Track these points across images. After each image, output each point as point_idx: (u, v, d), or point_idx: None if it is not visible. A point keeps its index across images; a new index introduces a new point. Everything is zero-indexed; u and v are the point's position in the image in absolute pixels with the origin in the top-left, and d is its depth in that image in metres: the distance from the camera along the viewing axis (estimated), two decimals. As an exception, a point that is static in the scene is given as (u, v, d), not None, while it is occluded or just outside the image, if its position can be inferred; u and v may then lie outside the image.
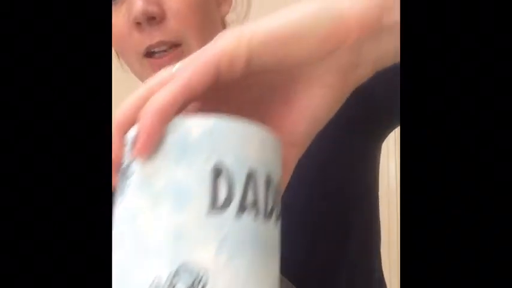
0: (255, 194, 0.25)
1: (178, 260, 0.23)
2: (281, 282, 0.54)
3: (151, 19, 0.54)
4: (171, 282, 0.23)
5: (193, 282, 0.23)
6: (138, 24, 0.54)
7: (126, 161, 0.28)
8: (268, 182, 0.25)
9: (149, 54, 0.56)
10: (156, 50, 0.55)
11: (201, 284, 0.23)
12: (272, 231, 0.26)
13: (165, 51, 0.55)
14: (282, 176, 0.28)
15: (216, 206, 0.24)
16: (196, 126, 0.25)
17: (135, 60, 0.57)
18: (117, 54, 0.68)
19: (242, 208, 0.24)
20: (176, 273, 0.23)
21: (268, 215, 0.25)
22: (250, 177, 0.24)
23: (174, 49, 0.55)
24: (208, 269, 0.23)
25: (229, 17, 0.64)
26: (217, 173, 0.24)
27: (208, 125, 0.25)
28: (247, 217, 0.24)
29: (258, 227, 0.25)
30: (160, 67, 0.55)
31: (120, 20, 0.56)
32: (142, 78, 0.59)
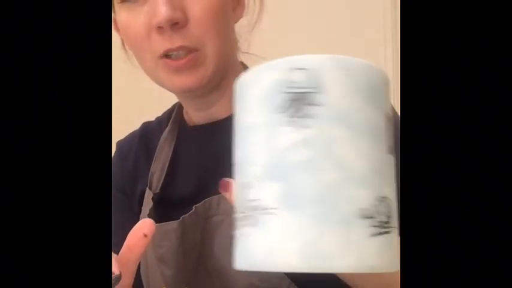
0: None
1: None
2: (283, 280, 0.54)
3: (175, 24, 0.54)
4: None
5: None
6: (160, 28, 0.54)
7: None
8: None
9: (166, 56, 0.56)
10: (174, 53, 0.56)
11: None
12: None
13: (182, 55, 0.56)
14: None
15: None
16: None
17: (150, 60, 0.57)
18: (124, 47, 0.69)
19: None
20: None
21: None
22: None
23: (190, 54, 0.56)
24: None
25: (241, 22, 0.65)
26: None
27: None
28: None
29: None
30: (175, 69, 0.56)
31: (140, 19, 0.56)
32: (155, 76, 0.60)
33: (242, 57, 0.70)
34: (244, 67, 0.68)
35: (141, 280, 0.66)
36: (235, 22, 0.64)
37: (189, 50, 0.56)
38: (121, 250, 0.41)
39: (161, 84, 0.61)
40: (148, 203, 0.66)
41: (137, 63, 0.62)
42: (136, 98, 1.34)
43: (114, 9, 0.62)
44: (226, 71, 0.62)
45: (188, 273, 0.61)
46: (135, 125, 0.77)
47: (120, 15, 0.59)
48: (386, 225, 0.29)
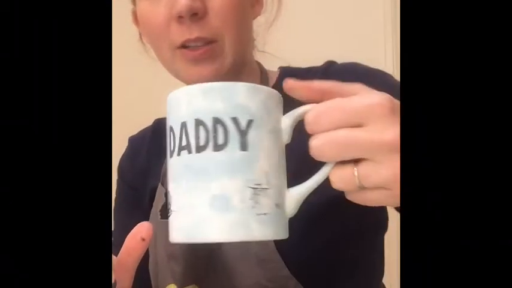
0: (187, 138, 0.35)
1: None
2: (290, 280, 0.55)
3: (194, 15, 0.55)
4: None
5: None
6: (180, 17, 0.55)
7: None
8: (197, 125, 0.35)
9: (184, 46, 0.57)
10: (192, 44, 0.56)
11: None
12: (209, 160, 0.35)
13: (200, 46, 0.57)
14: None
15: (170, 152, 0.37)
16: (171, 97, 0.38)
17: (167, 50, 0.58)
18: (141, 39, 0.69)
19: (180, 150, 0.36)
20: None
21: (199, 148, 0.35)
22: (182, 127, 0.36)
23: (207, 45, 0.57)
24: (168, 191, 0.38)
25: (258, 20, 0.65)
26: (170, 130, 0.37)
27: (168, 98, 0.38)
28: (183, 154, 0.36)
29: (191, 159, 0.35)
30: (192, 59, 0.57)
31: (160, 10, 0.56)
32: (172, 67, 0.60)
33: (258, 56, 0.70)
34: (260, 66, 0.68)
35: (148, 278, 0.65)
36: (253, 19, 0.65)
37: (207, 41, 0.56)
38: (119, 253, 0.41)
39: (178, 75, 0.61)
40: (160, 199, 0.66)
41: (154, 55, 0.63)
42: (151, 93, 1.34)
43: (133, 2, 0.63)
44: (242, 66, 0.62)
45: (197, 271, 0.61)
46: (150, 121, 0.78)
47: (140, 6, 0.60)
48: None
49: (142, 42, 0.70)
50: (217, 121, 0.35)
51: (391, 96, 0.34)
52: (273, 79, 0.67)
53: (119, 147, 0.76)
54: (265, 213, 0.36)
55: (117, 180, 0.76)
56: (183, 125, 0.35)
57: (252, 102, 0.36)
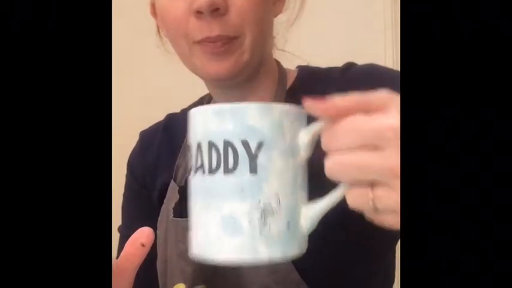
0: (202, 158, 0.36)
1: None
2: (300, 285, 0.54)
3: (215, 10, 0.53)
4: None
5: None
6: (199, 13, 0.53)
7: None
8: (210, 147, 0.35)
9: (203, 43, 0.55)
10: (211, 42, 0.55)
11: None
12: (220, 182, 0.36)
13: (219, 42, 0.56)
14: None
15: (189, 170, 0.38)
16: (189, 116, 0.38)
17: (186, 45, 0.57)
18: (159, 33, 0.68)
19: (195, 169, 0.37)
20: None
21: (212, 170, 0.36)
22: (198, 148, 0.36)
23: (227, 40, 0.55)
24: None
25: (279, 18, 0.64)
26: (187, 149, 0.37)
27: (190, 114, 0.38)
28: (198, 174, 0.37)
29: (204, 180, 0.36)
30: (211, 54, 0.55)
31: (179, 3, 0.55)
32: (189, 62, 0.59)
33: (276, 55, 0.69)
34: (278, 65, 0.68)
35: (150, 278, 0.65)
36: (275, 16, 0.63)
37: (227, 41, 0.55)
38: (118, 258, 0.40)
39: (195, 71, 0.60)
40: (174, 197, 0.65)
41: (171, 50, 0.62)
42: (164, 87, 1.34)
43: None
44: (260, 64, 0.61)
45: (207, 271, 0.61)
46: (162, 115, 0.77)
47: None
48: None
49: (159, 35, 0.68)
50: (228, 144, 0.35)
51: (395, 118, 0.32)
52: (291, 78, 0.66)
53: (131, 142, 0.76)
54: (274, 235, 0.36)
55: (127, 175, 0.75)
56: (199, 146, 0.36)
57: (264, 122, 0.36)
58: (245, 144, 0.35)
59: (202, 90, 0.69)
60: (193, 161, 0.37)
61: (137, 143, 0.76)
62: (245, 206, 0.35)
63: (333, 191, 0.37)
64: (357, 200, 0.34)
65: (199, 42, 0.56)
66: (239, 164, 0.35)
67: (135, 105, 1.36)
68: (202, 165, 0.36)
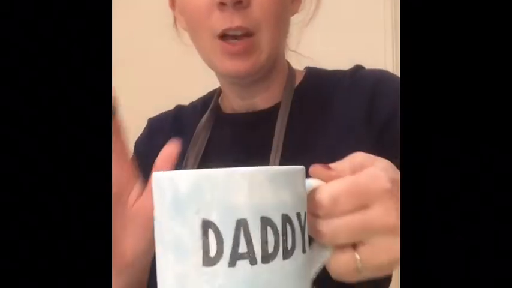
0: (249, 242, 0.26)
1: None
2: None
3: (238, 3, 0.54)
4: None
5: None
6: (223, 4, 0.54)
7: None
8: (264, 225, 0.26)
9: (224, 36, 0.57)
10: (231, 33, 0.56)
11: None
12: (278, 272, 0.27)
13: (238, 37, 0.57)
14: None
15: (207, 260, 0.26)
16: (184, 180, 0.26)
17: (207, 39, 0.58)
18: (176, 25, 0.68)
19: (234, 259, 0.26)
20: None
21: (267, 257, 0.26)
22: (240, 226, 0.26)
23: (246, 38, 0.57)
24: None
25: (296, 17, 0.65)
26: (206, 227, 0.25)
27: (192, 178, 0.26)
28: (242, 266, 0.26)
29: (255, 273, 0.26)
30: (230, 53, 0.57)
31: None
32: (208, 58, 0.60)
33: (287, 55, 0.70)
34: (288, 65, 0.69)
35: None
36: (291, 15, 0.65)
37: (246, 33, 0.56)
38: (154, 167, 0.41)
39: (213, 66, 0.61)
40: None
41: (188, 41, 0.63)
42: (174, 77, 1.34)
43: None
44: (274, 63, 0.63)
45: None
46: (171, 105, 0.77)
47: None
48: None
49: (176, 27, 0.69)
50: (286, 219, 0.28)
51: (391, 167, 0.35)
52: (299, 78, 0.68)
53: (139, 130, 0.76)
54: None
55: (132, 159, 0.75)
56: (241, 223, 0.26)
57: (305, 192, 0.31)
58: (299, 217, 0.29)
59: (213, 84, 0.69)
60: (225, 247, 0.26)
61: (145, 129, 0.76)
62: None
63: (315, 260, 0.33)
64: (343, 264, 0.34)
65: (220, 37, 0.57)
66: (296, 244, 0.28)
67: (144, 97, 1.36)
68: (249, 252, 0.26)
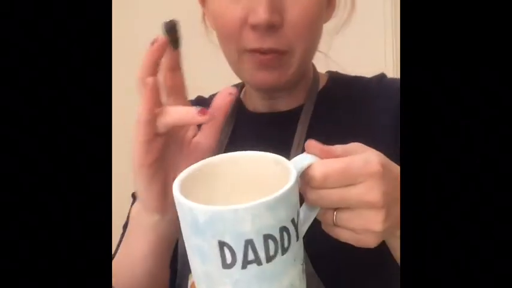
0: (255, 252, 0.34)
1: None
2: (312, 278, 0.54)
3: (271, 27, 0.53)
4: None
5: None
6: (255, 26, 0.53)
7: None
8: (266, 240, 0.34)
9: (253, 52, 0.56)
10: (262, 54, 0.55)
11: None
12: (278, 264, 0.35)
13: (269, 53, 0.56)
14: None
15: (225, 265, 0.35)
16: (201, 213, 0.34)
17: (235, 51, 0.57)
18: (204, 21, 0.67)
19: (245, 264, 0.34)
20: None
21: (270, 258, 0.35)
22: (247, 244, 0.34)
23: (277, 55, 0.56)
24: None
25: (327, 25, 0.64)
26: (222, 245, 0.34)
27: (209, 213, 0.34)
28: (252, 267, 0.35)
29: (262, 270, 0.35)
30: (259, 64, 0.55)
31: (236, 11, 0.54)
32: (236, 67, 0.60)
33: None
34: (313, 68, 0.68)
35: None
36: (324, 23, 0.63)
37: (278, 55, 0.56)
38: (210, 108, 0.43)
39: (241, 76, 0.61)
40: None
41: (215, 41, 0.62)
42: (195, 69, 1.33)
43: None
44: (302, 72, 0.62)
45: None
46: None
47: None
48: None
49: (205, 24, 0.67)
50: (283, 229, 0.35)
51: (384, 157, 0.40)
52: (322, 82, 0.67)
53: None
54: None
55: None
56: (249, 242, 0.34)
57: (297, 192, 0.37)
58: (293, 221, 0.36)
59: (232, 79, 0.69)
60: (237, 256, 0.34)
61: None
62: (297, 270, 0.37)
63: (308, 216, 0.42)
64: (324, 217, 0.41)
65: (249, 51, 0.56)
66: (291, 241, 0.36)
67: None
68: (255, 259, 0.35)
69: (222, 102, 0.44)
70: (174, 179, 0.38)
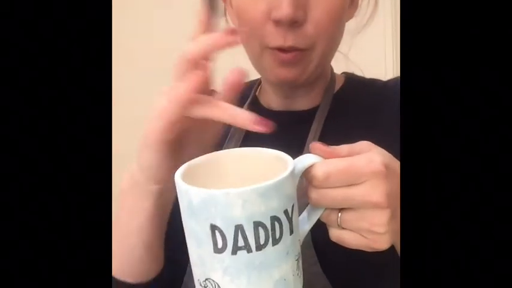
0: (245, 239, 0.35)
1: (205, 276, 0.37)
2: (320, 278, 0.54)
3: (294, 23, 0.53)
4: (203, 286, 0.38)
5: None
6: (278, 22, 0.53)
7: None
8: (256, 227, 0.35)
9: (275, 50, 0.56)
10: (283, 51, 0.55)
11: None
12: (269, 254, 0.36)
13: (290, 50, 0.56)
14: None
15: (217, 249, 0.35)
16: (195, 195, 0.35)
17: (257, 46, 0.56)
18: (225, 16, 0.66)
19: (235, 249, 0.35)
20: (205, 283, 0.37)
21: (260, 247, 0.35)
22: (237, 229, 0.34)
23: (298, 52, 0.56)
24: (219, 285, 0.36)
25: (349, 23, 0.63)
26: (213, 228, 0.35)
27: (202, 195, 0.34)
28: (242, 254, 0.35)
29: (252, 258, 0.35)
30: (281, 61, 0.55)
31: (259, 6, 0.54)
32: (257, 63, 0.59)
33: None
34: (331, 70, 0.68)
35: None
36: (346, 21, 0.63)
37: (299, 51, 0.56)
38: (223, 91, 0.42)
39: (261, 71, 0.61)
40: None
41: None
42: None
43: None
44: (321, 70, 0.62)
45: None
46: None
47: None
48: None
49: (226, 18, 0.67)
50: (274, 219, 0.35)
51: (389, 156, 0.40)
52: (338, 83, 0.67)
53: None
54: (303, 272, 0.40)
55: None
56: (238, 228, 0.35)
57: (294, 187, 0.37)
58: (286, 213, 0.36)
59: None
60: (228, 242, 0.35)
61: None
62: (290, 264, 0.37)
63: (311, 215, 0.42)
64: (327, 218, 0.41)
65: (271, 48, 0.56)
66: (283, 233, 0.36)
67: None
68: (245, 245, 0.35)
69: (235, 78, 0.42)
70: (186, 155, 0.39)
